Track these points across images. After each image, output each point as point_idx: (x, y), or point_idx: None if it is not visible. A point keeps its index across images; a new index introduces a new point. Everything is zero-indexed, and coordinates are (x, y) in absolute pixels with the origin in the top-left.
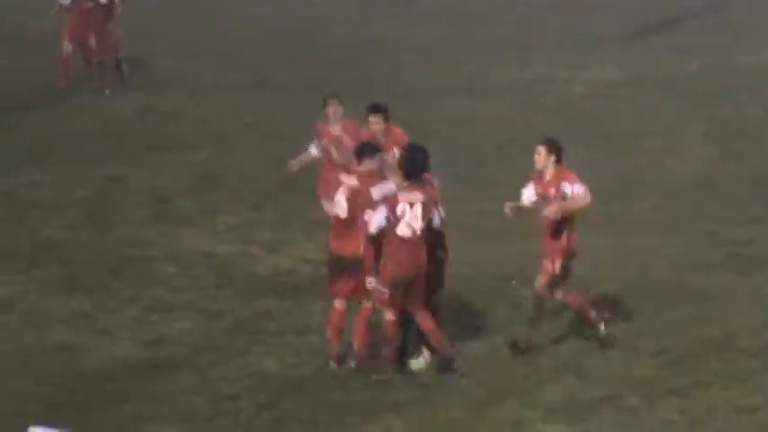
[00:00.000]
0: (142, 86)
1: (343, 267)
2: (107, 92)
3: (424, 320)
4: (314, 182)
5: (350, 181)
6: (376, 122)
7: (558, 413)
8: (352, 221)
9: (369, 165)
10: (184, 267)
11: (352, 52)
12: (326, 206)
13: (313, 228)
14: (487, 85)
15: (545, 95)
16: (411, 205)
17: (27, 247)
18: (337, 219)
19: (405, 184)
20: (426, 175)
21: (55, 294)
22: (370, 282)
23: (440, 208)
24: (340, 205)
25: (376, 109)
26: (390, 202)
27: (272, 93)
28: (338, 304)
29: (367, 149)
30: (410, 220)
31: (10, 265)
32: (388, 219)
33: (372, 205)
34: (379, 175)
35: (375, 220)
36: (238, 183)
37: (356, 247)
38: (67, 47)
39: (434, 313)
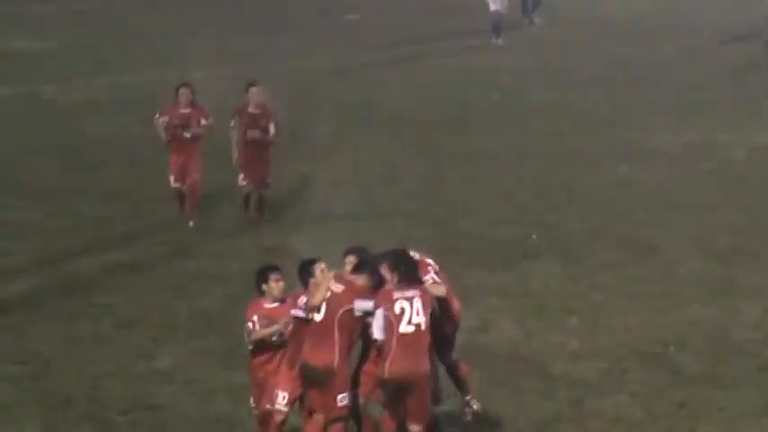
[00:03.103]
0: (304, 154)
1: (312, 380)
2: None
3: None
4: None
5: (336, 288)
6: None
7: None
8: (329, 330)
9: (362, 279)
10: None
11: (509, 119)
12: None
13: None
14: (645, 150)
15: (704, 160)
16: (410, 301)
17: (185, 318)
18: (314, 324)
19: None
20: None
21: (214, 366)
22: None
23: (453, 301)
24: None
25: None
26: (385, 301)
27: (435, 159)
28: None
29: (369, 263)
30: (412, 317)
31: (170, 336)
32: (387, 319)
33: (350, 320)
34: (367, 292)
35: (377, 326)
36: None
37: (325, 357)
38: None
39: None
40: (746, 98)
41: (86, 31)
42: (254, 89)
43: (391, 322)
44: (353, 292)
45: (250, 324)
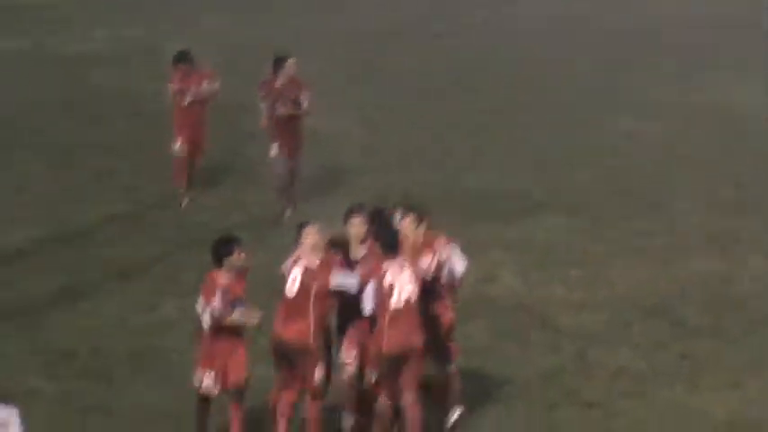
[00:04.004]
0: None
1: (285, 356)
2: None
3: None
4: None
5: (311, 262)
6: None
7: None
8: (302, 304)
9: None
10: None
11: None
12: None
13: None
14: (649, 105)
15: (708, 114)
16: (399, 274)
17: (187, 269)
18: (286, 298)
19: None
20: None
21: None
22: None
23: (457, 260)
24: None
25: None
26: (375, 275)
27: (440, 116)
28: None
29: (382, 224)
30: (402, 289)
31: (172, 287)
32: (377, 293)
33: (325, 295)
34: (340, 264)
35: (367, 301)
36: None
37: (298, 332)
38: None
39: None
40: (754, 55)
41: None
42: (290, 61)
43: (382, 297)
44: (329, 267)
45: (216, 304)
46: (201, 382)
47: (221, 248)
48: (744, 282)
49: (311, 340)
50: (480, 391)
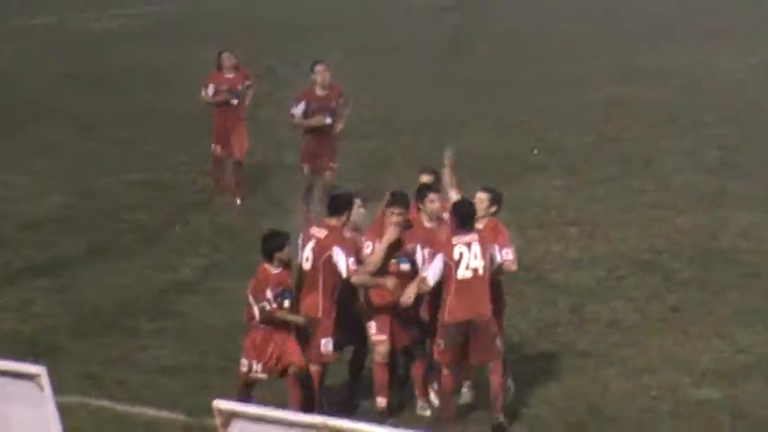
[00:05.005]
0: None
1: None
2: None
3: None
4: None
5: (319, 233)
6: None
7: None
8: (315, 276)
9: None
10: None
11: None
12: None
13: None
14: (642, 71)
15: (697, 79)
16: (468, 246)
17: (207, 233)
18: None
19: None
20: (495, 222)
21: (234, 277)
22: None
23: (507, 249)
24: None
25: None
26: (445, 247)
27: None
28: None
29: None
30: (470, 261)
31: (192, 249)
32: (446, 265)
33: (333, 265)
34: (348, 231)
35: (433, 270)
36: None
37: (313, 306)
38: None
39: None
40: (745, 22)
41: None
42: (319, 67)
43: (450, 268)
44: (335, 238)
45: (266, 304)
46: (249, 368)
47: (272, 243)
48: (729, 237)
49: (320, 312)
50: None
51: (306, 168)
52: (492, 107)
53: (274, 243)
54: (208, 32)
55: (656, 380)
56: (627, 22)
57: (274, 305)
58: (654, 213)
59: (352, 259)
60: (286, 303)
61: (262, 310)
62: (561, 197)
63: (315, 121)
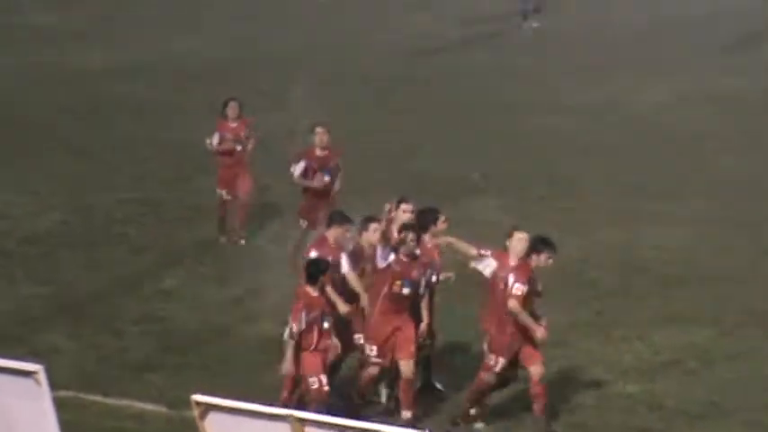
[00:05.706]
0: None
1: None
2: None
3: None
4: None
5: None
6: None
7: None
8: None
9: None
10: None
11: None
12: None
13: None
14: (568, 104)
15: (615, 112)
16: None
17: (188, 246)
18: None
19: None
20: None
21: (211, 285)
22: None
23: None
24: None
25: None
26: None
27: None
28: None
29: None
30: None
31: (175, 261)
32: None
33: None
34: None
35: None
36: None
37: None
38: None
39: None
40: (655, 60)
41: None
42: (319, 129)
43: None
44: (335, 248)
45: (296, 325)
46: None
47: (316, 268)
48: (646, 250)
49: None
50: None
51: (303, 223)
52: (434, 133)
53: (318, 268)
54: (181, 70)
55: (584, 377)
56: (555, 57)
57: (294, 331)
58: (579, 228)
59: None
60: (326, 325)
61: (290, 333)
62: (497, 216)
63: (316, 182)
